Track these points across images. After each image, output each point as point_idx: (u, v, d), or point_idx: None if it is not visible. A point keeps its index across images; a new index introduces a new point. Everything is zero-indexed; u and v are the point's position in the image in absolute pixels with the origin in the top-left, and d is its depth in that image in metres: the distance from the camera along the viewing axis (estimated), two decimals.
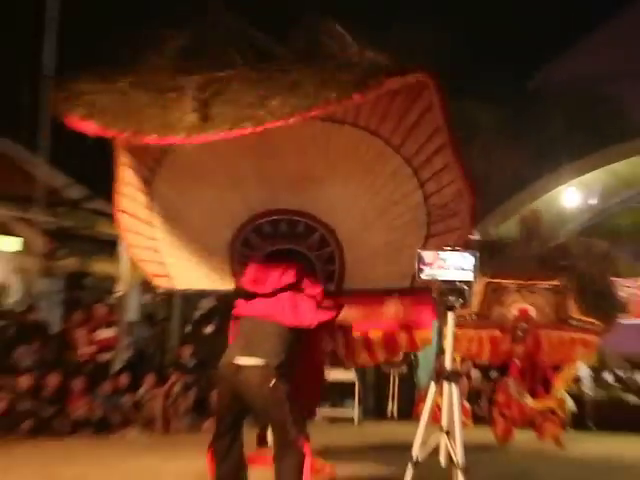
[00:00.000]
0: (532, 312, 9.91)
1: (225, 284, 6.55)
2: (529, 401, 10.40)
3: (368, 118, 5.71)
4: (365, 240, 6.22)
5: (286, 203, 6.16)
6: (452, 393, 3.63)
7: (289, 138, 5.52)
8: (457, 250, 3.81)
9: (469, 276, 3.79)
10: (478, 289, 9.92)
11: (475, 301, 9.95)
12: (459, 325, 9.64)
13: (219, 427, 5.46)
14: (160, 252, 6.53)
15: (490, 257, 10.16)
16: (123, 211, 6.37)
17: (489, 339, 10.16)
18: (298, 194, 6.08)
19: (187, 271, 6.63)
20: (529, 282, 9.97)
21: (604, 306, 10.20)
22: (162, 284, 6.86)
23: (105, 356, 12.21)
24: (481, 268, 9.91)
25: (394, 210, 6.06)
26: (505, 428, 10.66)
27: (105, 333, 12.38)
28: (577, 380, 15.09)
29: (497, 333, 10.10)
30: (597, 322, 10.05)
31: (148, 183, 6.13)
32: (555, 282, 9.90)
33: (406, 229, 6.09)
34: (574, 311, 9.96)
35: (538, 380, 10.50)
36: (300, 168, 5.90)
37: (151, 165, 6.02)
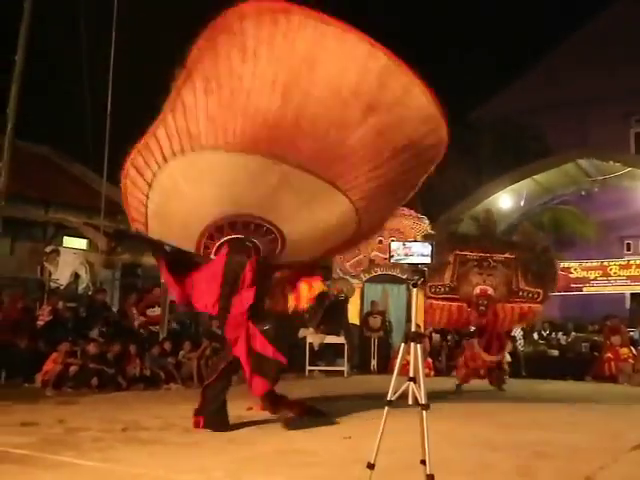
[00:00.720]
0: (490, 291, 10.14)
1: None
2: (485, 356, 10.76)
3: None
4: (297, 237, 6.68)
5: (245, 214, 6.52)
6: (417, 350, 3.58)
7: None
8: (418, 241, 3.78)
9: (427, 260, 3.75)
10: (450, 261, 10.20)
11: (447, 274, 10.21)
12: (435, 294, 10.04)
13: None
14: (147, 212, 6.63)
15: (452, 242, 10.47)
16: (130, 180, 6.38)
17: (457, 310, 10.38)
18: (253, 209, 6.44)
19: (162, 229, 6.84)
20: (487, 255, 10.24)
21: (546, 277, 10.40)
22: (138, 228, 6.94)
23: (154, 327, 12.22)
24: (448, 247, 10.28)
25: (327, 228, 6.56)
26: (466, 374, 11.06)
27: (156, 311, 12.42)
28: (512, 338, 15.14)
29: (464, 306, 10.34)
30: (539, 291, 10.26)
31: (154, 173, 6.15)
32: (507, 255, 10.20)
33: (328, 235, 6.68)
34: (522, 282, 10.16)
35: (494, 341, 10.79)
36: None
37: (160, 162, 6.02)
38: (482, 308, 10.19)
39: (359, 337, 14.71)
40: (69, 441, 5.61)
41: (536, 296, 10.23)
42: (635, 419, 7.99)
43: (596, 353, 14.45)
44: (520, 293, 10.15)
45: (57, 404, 8.24)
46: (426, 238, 9.96)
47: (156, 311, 12.41)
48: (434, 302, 10.18)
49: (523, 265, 10.15)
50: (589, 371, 13.91)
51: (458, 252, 10.36)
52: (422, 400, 3.51)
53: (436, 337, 14.96)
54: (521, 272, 10.18)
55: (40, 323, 10.83)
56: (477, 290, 10.21)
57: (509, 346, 12.48)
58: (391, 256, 3.79)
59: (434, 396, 7.46)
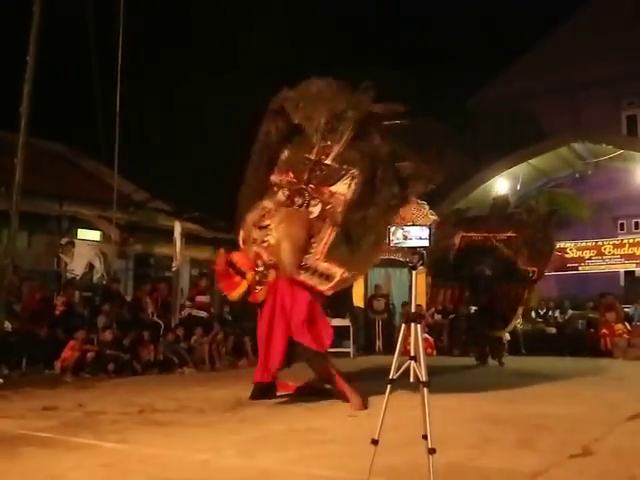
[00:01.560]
0: (488, 272, 10.04)
1: None
2: (489, 332, 10.71)
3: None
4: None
5: None
6: (417, 330, 3.59)
7: None
8: (416, 225, 3.77)
9: (426, 243, 3.74)
10: (456, 241, 10.12)
11: (452, 254, 10.15)
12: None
13: None
14: None
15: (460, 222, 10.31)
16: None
17: (459, 290, 10.36)
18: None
19: None
20: (491, 234, 10.12)
21: (542, 254, 10.28)
22: None
23: (201, 313, 12.45)
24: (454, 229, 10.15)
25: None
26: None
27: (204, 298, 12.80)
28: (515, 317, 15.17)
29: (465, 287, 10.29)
30: (534, 269, 10.15)
31: None
32: (510, 234, 10.03)
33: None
34: (520, 262, 10.02)
35: (497, 318, 10.69)
36: None
37: None
38: (481, 288, 10.18)
39: (364, 319, 14.74)
40: (88, 424, 5.66)
41: (531, 274, 10.15)
42: (630, 391, 8.01)
43: (592, 329, 14.45)
44: (517, 274, 10.06)
45: (76, 389, 8.31)
46: (435, 221, 9.66)
47: (204, 299, 12.71)
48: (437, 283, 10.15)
49: (524, 243, 10.02)
50: (586, 347, 13.91)
51: (464, 234, 10.26)
52: (423, 378, 3.52)
53: (438, 317, 14.94)
54: (520, 251, 10.05)
55: (57, 313, 10.88)
56: (475, 270, 10.17)
57: (514, 323, 12.44)
58: (390, 240, 3.79)
59: (437, 373, 7.49)
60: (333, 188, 7.23)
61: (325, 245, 6.94)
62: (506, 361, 11.39)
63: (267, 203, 7.27)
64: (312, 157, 7.39)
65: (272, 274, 6.94)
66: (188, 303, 12.71)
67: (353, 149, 7.36)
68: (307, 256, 6.88)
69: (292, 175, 7.39)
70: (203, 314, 12.36)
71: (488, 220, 10.48)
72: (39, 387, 8.21)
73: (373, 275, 15.44)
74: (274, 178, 7.52)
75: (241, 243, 7.43)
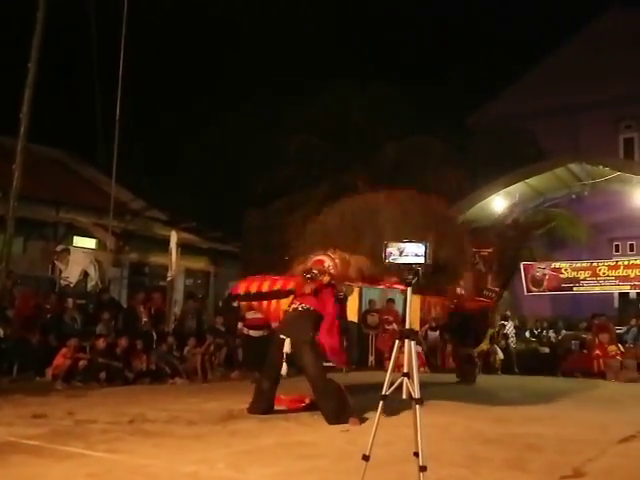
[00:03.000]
0: (461, 291, 9.78)
1: None
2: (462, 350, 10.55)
3: None
4: None
5: None
6: (411, 346, 3.59)
7: None
8: (413, 241, 3.77)
9: (422, 260, 3.75)
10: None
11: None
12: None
13: None
14: None
15: None
16: None
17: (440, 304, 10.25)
18: None
19: None
20: (478, 249, 9.94)
21: (507, 275, 10.23)
22: None
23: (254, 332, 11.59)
24: None
25: None
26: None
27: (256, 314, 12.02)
28: (505, 336, 15.15)
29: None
30: (496, 290, 10.01)
31: None
32: (489, 250, 9.86)
33: None
34: (489, 281, 9.89)
35: (469, 336, 10.55)
36: None
37: None
38: (451, 305, 10.05)
39: (357, 334, 14.71)
40: (78, 433, 5.63)
41: (493, 295, 10.04)
42: (622, 413, 7.99)
43: (585, 350, 14.45)
44: (484, 292, 9.91)
45: (67, 397, 8.26)
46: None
47: (257, 314, 11.07)
48: (429, 298, 9.93)
49: (496, 259, 9.88)
50: (579, 368, 13.91)
51: None
52: (415, 394, 3.52)
53: (433, 334, 14.90)
54: (492, 268, 9.91)
55: (47, 316, 10.88)
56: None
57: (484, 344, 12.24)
58: (386, 256, 3.79)
59: (430, 391, 7.46)
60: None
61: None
62: (496, 379, 11.36)
63: None
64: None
65: (326, 277, 7.17)
66: (240, 324, 11.87)
67: None
68: None
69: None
70: (258, 333, 11.21)
71: (480, 233, 10.39)
72: (29, 394, 8.16)
73: (368, 290, 15.44)
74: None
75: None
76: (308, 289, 7.05)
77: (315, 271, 7.10)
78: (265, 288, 7.94)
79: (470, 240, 9.88)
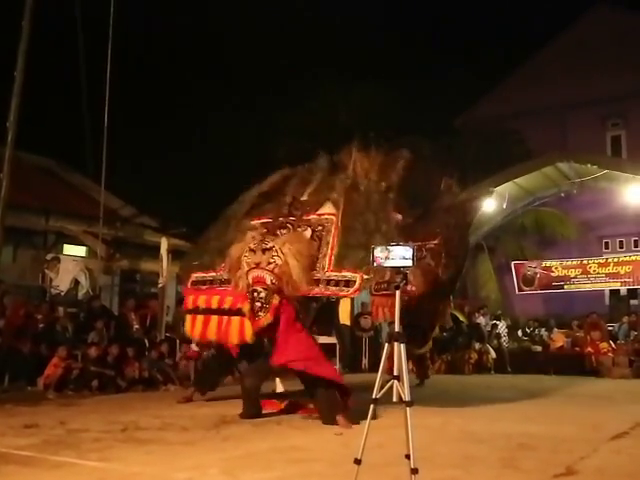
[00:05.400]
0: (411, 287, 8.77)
1: None
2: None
3: None
4: None
5: None
6: (400, 349, 3.59)
7: None
8: (400, 244, 3.77)
9: (409, 263, 3.74)
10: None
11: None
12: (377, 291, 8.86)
13: None
14: None
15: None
16: None
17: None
18: None
19: None
20: (423, 242, 8.87)
21: (458, 263, 9.36)
22: None
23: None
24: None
25: None
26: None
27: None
28: (497, 335, 15.20)
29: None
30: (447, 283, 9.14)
31: None
32: (437, 241, 8.88)
33: None
34: (441, 273, 8.83)
35: (419, 335, 9.64)
36: None
37: None
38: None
39: (350, 337, 14.70)
40: (70, 442, 5.60)
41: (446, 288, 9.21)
42: (614, 410, 8.03)
43: (577, 348, 14.50)
44: (438, 288, 8.71)
45: (59, 406, 8.21)
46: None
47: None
48: (376, 299, 9.29)
49: (445, 250, 8.86)
50: (571, 365, 13.95)
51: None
52: (406, 397, 3.52)
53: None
54: (441, 260, 8.88)
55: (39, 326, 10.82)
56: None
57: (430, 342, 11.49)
58: (374, 260, 3.78)
59: (422, 392, 7.49)
60: (320, 211, 7.54)
61: (330, 259, 7.08)
62: (489, 378, 11.33)
63: (253, 234, 7.30)
64: (287, 199, 7.86)
65: (276, 298, 6.81)
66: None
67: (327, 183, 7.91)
68: (314, 272, 7.02)
69: (271, 215, 7.80)
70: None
71: (425, 226, 9.24)
72: (21, 404, 8.11)
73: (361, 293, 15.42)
74: (255, 222, 7.83)
75: (231, 277, 7.35)
76: (265, 323, 6.77)
77: (262, 296, 6.76)
78: (214, 304, 7.45)
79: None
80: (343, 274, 6.95)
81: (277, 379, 8.27)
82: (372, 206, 7.40)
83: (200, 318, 7.55)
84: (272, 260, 6.84)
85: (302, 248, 6.99)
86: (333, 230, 7.30)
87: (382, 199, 7.56)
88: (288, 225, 7.49)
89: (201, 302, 7.62)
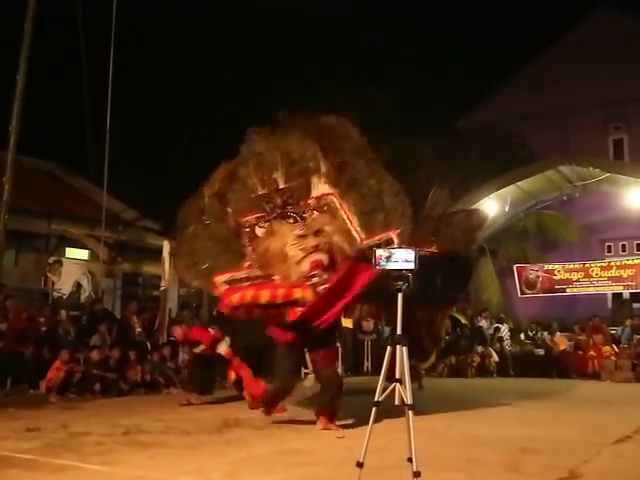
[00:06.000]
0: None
1: None
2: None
3: None
4: None
5: None
6: (402, 352, 3.59)
7: None
8: (402, 247, 3.76)
9: (412, 266, 3.73)
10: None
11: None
12: None
13: None
14: None
15: None
16: None
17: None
18: None
19: None
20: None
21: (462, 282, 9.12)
22: None
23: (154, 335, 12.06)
24: None
25: None
26: None
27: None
28: (500, 339, 15.17)
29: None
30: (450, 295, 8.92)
31: None
32: (431, 249, 8.59)
33: None
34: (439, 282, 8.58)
35: (413, 344, 9.42)
36: None
37: None
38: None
39: (353, 340, 14.68)
40: (72, 445, 5.60)
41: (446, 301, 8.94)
42: (617, 414, 8.01)
43: (580, 351, 14.48)
44: (435, 296, 8.03)
45: (61, 409, 8.22)
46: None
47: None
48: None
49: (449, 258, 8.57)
50: (573, 369, 13.94)
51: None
52: (408, 400, 3.52)
53: None
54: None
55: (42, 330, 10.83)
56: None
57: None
58: (377, 263, 3.77)
59: (425, 395, 7.47)
60: (315, 194, 7.21)
61: (356, 229, 6.93)
62: (491, 381, 11.31)
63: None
64: (263, 191, 7.41)
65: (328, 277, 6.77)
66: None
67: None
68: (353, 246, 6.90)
69: (262, 209, 7.39)
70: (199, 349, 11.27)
71: (417, 230, 8.86)
72: (23, 407, 8.12)
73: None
74: (249, 218, 7.46)
75: (271, 272, 7.18)
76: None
77: (325, 278, 6.69)
78: (264, 299, 6.77)
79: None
80: (378, 238, 6.77)
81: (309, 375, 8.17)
82: (363, 168, 7.14)
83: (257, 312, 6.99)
84: (325, 241, 6.86)
85: (338, 225, 6.92)
86: (339, 206, 7.07)
87: (366, 157, 7.25)
88: (291, 214, 7.22)
89: (247, 298, 6.93)
